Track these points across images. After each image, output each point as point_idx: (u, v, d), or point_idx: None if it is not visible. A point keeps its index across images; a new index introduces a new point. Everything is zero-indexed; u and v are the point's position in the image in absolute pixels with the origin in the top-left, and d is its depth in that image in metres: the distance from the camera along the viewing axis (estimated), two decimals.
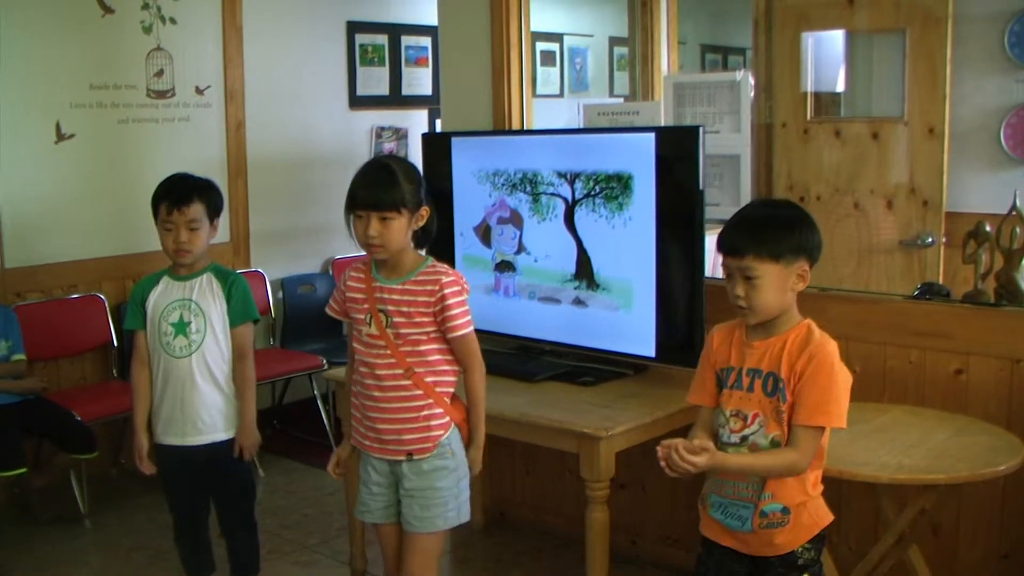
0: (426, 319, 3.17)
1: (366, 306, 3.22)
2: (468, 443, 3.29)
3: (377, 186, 3.13)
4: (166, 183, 3.73)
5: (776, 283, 2.64)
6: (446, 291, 3.15)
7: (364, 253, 3.21)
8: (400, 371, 3.17)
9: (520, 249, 4.29)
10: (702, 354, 2.90)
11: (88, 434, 4.97)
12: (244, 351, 3.79)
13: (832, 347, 2.66)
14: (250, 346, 3.82)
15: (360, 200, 3.14)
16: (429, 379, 3.20)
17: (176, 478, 3.80)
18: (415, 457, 3.21)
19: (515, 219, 4.26)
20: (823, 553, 2.78)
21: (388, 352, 3.18)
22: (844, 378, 2.65)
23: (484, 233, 4.39)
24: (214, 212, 3.74)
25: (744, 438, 2.72)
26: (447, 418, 3.22)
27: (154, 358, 3.72)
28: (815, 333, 2.68)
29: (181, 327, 3.67)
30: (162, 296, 3.71)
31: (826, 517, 2.75)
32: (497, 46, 4.72)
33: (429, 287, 3.16)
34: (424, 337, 3.18)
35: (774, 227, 2.67)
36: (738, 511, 2.74)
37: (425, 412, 3.19)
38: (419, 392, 3.18)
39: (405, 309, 3.16)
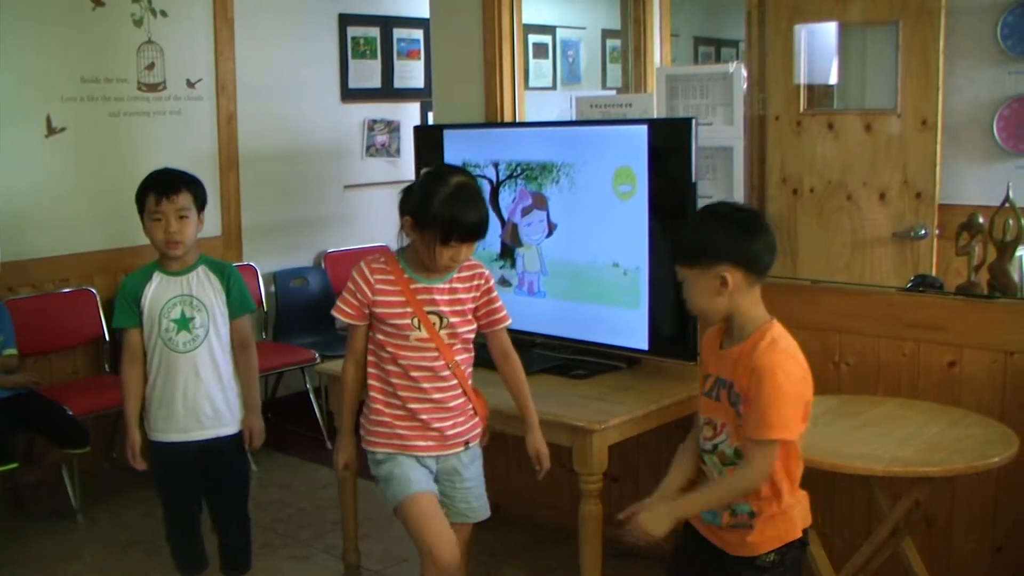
0: (472, 315, 3.20)
1: (409, 309, 3.14)
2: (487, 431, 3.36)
3: (482, 217, 3.05)
4: (152, 176, 3.69)
5: (699, 284, 2.66)
6: (490, 283, 3.22)
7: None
8: (449, 371, 3.18)
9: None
10: None
11: (80, 428, 4.96)
12: (246, 340, 3.79)
13: (777, 356, 2.59)
14: (251, 335, 3.83)
15: (470, 235, 3.04)
16: (467, 371, 3.25)
17: (172, 474, 3.77)
18: (471, 444, 3.27)
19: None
20: (797, 559, 2.75)
21: (439, 353, 3.15)
22: (790, 387, 2.58)
23: None
24: (201, 204, 3.70)
25: (715, 447, 2.74)
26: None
27: (154, 355, 3.67)
28: (764, 340, 2.62)
29: (184, 322, 3.64)
30: (159, 292, 3.65)
31: (794, 531, 2.71)
32: (489, 39, 4.71)
33: (474, 282, 3.19)
34: (473, 334, 3.22)
35: (687, 234, 2.73)
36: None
37: (467, 399, 3.25)
38: (458, 383, 3.21)
39: (459, 308, 3.16)
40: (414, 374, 3.15)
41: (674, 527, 2.70)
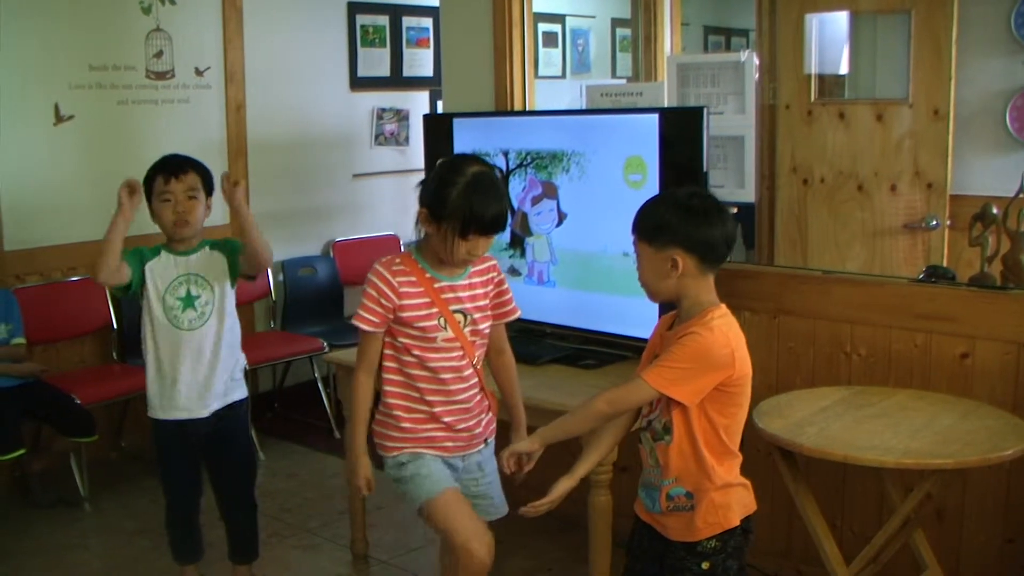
0: (489, 309, 3.14)
1: (435, 310, 3.01)
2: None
3: (502, 209, 2.94)
4: (159, 160, 3.71)
5: (651, 264, 2.69)
6: (502, 275, 3.16)
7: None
8: (473, 369, 3.11)
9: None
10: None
11: (88, 417, 4.95)
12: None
13: (714, 334, 2.62)
14: None
15: (490, 228, 2.93)
16: (480, 368, 3.17)
17: (179, 455, 3.76)
18: (489, 440, 3.21)
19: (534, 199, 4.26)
20: (740, 546, 2.75)
21: (464, 353, 3.07)
22: (697, 352, 2.61)
23: None
24: (209, 188, 3.71)
25: (649, 422, 2.77)
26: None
27: (159, 333, 3.65)
28: (707, 316, 2.65)
29: (189, 300, 3.64)
30: (163, 269, 3.65)
31: (731, 518, 2.72)
32: (499, 27, 4.70)
33: (488, 275, 3.12)
34: (489, 328, 3.15)
35: (650, 210, 2.72)
36: (651, 492, 2.80)
37: (483, 395, 3.19)
38: (478, 381, 3.15)
39: (481, 303, 3.09)
40: (444, 376, 3.04)
41: (538, 446, 2.86)
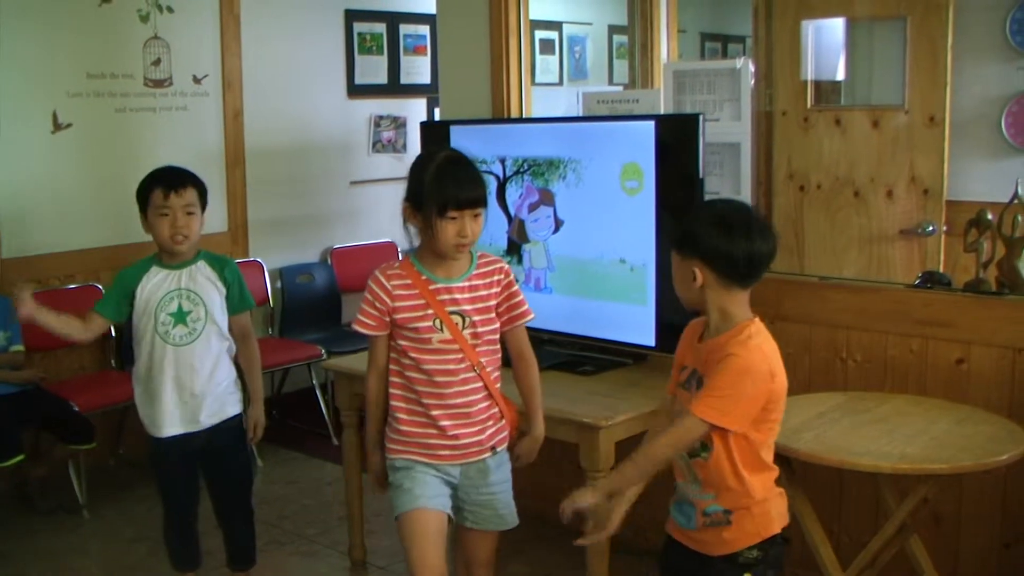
0: (494, 312, 3.12)
1: (431, 311, 3.03)
2: (515, 438, 3.25)
3: (475, 183, 2.97)
4: (156, 172, 3.68)
5: (678, 272, 2.68)
6: (510, 278, 3.14)
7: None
8: (474, 372, 3.08)
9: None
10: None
11: (86, 424, 4.96)
12: (246, 333, 3.81)
13: (752, 354, 2.57)
14: (251, 328, 3.85)
15: (465, 200, 2.93)
16: (494, 375, 3.14)
17: (175, 466, 3.75)
18: (498, 449, 3.17)
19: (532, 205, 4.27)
20: (779, 555, 2.73)
21: (463, 356, 3.05)
22: (744, 378, 2.56)
23: None
24: (204, 202, 3.70)
25: None
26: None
27: (150, 348, 3.64)
28: (743, 334, 2.60)
29: (180, 316, 3.63)
30: (155, 286, 3.63)
31: (771, 526, 2.69)
32: (496, 34, 4.71)
33: (494, 277, 3.10)
34: (496, 333, 3.13)
35: (686, 219, 2.71)
36: (685, 509, 2.75)
37: (494, 402, 3.16)
38: (484, 386, 3.12)
39: (480, 306, 3.07)
40: (439, 379, 3.04)
41: (600, 498, 2.69)
